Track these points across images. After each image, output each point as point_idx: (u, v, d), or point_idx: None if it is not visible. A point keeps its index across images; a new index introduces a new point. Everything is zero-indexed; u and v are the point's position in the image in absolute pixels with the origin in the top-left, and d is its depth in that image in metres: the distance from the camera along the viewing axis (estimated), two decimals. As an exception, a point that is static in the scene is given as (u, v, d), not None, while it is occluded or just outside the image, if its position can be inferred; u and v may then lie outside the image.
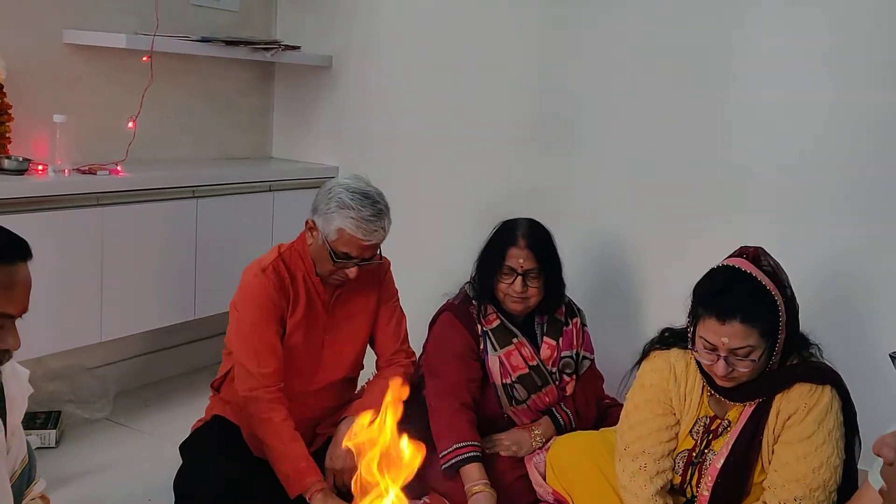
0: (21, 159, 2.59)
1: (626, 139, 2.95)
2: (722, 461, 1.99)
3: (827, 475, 1.90)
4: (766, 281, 1.90)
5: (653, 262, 2.93)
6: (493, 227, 2.50)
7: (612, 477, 2.15)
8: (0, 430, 1.47)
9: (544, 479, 2.32)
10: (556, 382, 2.49)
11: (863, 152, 2.57)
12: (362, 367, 2.60)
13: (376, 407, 2.26)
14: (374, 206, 2.24)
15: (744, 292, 1.87)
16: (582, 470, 2.21)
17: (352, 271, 2.27)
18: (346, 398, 2.53)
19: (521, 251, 2.39)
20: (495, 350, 2.45)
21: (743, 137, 2.74)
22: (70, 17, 2.86)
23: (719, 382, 1.94)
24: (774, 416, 1.96)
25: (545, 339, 2.49)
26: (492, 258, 2.43)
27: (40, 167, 2.66)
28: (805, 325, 2.00)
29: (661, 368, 2.06)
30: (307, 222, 2.31)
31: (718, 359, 1.88)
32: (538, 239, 2.42)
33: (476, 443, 2.32)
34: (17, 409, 1.56)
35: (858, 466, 2.01)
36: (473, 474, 2.28)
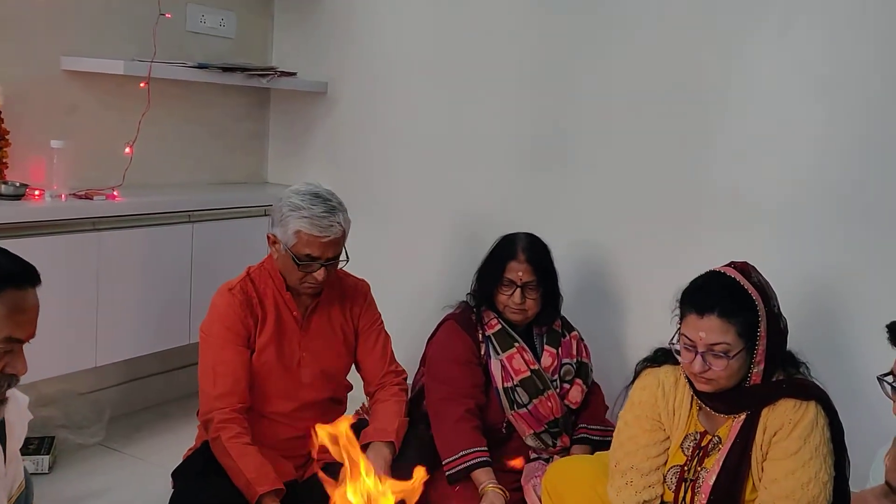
0: (18, 184, 2.61)
1: (619, 161, 2.98)
2: (714, 478, 1.99)
3: (816, 491, 1.90)
4: (747, 285, 1.95)
5: (644, 278, 2.95)
6: (493, 242, 2.59)
7: (608, 502, 2.14)
8: (10, 458, 1.47)
9: (540, 504, 2.31)
10: (557, 390, 2.53)
11: (852, 176, 2.60)
12: (351, 388, 2.60)
13: (389, 431, 2.30)
14: (326, 204, 2.27)
15: (724, 290, 1.94)
16: (579, 495, 2.20)
17: (319, 273, 2.27)
18: (335, 419, 2.50)
19: (520, 264, 2.49)
20: (497, 353, 2.52)
21: (736, 160, 2.77)
22: (68, 43, 2.89)
23: (697, 386, 1.97)
24: (762, 432, 1.97)
25: (546, 347, 2.57)
26: (492, 270, 2.53)
27: (37, 192, 2.67)
28: (793, 345, 2.02)
29: (650, 385, 2.09)
30: (268, 237, 2.34)
31: (696, 355, 1.91)
32: (537, 253, 2.52)
33: (483, 448, 2.35)
34: (16, 436, 1.56)
35: (851, 488, 2.01)
36: (483, 477, 2.32)
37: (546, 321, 2.59)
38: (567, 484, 2.23)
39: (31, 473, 2.53)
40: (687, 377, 2.02)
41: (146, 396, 3.28)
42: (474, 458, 2.34)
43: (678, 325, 2.00)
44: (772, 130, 2.71)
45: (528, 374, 2.50)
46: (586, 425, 2.58)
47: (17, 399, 1.58)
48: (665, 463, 2.06)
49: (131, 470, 2.76)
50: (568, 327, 2.65)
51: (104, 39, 2.99)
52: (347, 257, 2.37)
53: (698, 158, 2.84)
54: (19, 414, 1.59)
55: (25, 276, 1.41)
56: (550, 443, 2.53)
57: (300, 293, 2.36)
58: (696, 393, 2.02)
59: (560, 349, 2.58)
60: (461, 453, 2.34)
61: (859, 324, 2.56)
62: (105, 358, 2.81)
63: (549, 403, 2.51)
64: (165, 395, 3.34)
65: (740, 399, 1.97)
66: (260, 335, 2.33)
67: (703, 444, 2.03)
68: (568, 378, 2.58)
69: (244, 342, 2.31)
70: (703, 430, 2.04)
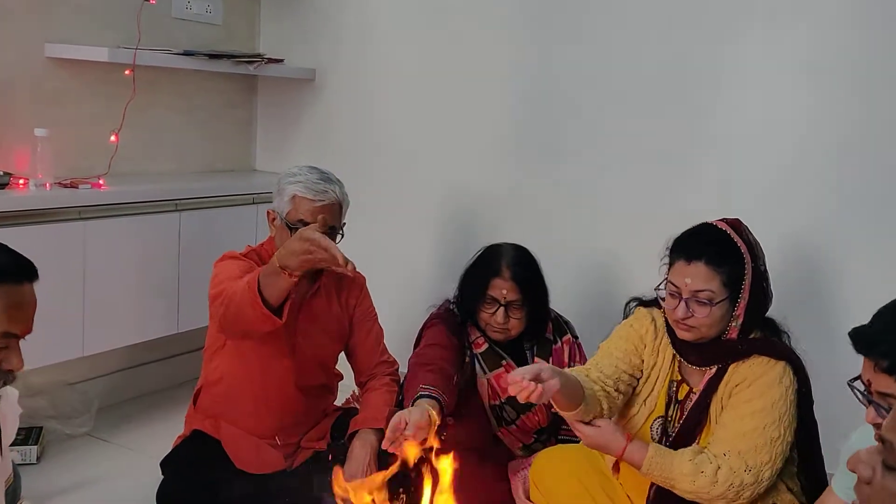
0: (2, 173, 2.58)
1: (609, 148, 2.97)
2: (678, 427, 2.01)
3: (760, 441, 1.87)
4: (737, 239, 1.97)
5: (634, 268, 2.93)
6: (477, 252, 2.48)
7: (595, 493, 2.15)
8: (5, 453, 1.47)
9: (527, 497, 2.30)
10: (546, 402, 2.48)
11: (840, 155, 2.61)
12: (341, 377, 2.60)
13: (378, 418, 2.28)
14: (322, 174, 2.32)
15: (712, 240, 1.97)
16: (565, 485, 2.19)
17: None
18: (324, 406, 2.54)
19: (504, 282, 2.35)
20: (485, 372, 2.45)
21: (726, 141, 2.78)
22: (52, 30, 2.85)
23: (678, 333, 1.98)
24: (724, 384, 1.98)
25: (536, 360, 2.45)
26: (475, 286, 2.41)
27: (21, 181, 2.64)
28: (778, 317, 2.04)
29: (643, 317, 2.12)
30: (267, 213, 2.37)
31: (680, 301, 1.93)
32: (523, 269, 2.38)
33: (436, 386, 2.13)
34: (8, 430, 1.57)
35: (827, 470, 2.01)
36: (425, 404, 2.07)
37: (533, 338, 2.48)
38: (554, 475, 2.22)
39: (19, 464, 2.52)
40: (668, 327, 2.04)
41: (134, 386, 3.27)
42: (422, 392, 2.10)
43: (666, 274, 2.02)
44: (762, 108, 2.72)
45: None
46: (566, 427, 2.51)
47: (9, 393, 1.57)
48: (621, 390, 2.04)
49: (120, 460, 2.75)
50: (560, 330, 2.53)
51: (89, 26, 2.96)
52: (343, 234, 2.37)
53: (685, 143, 2.84)
54: (11, 408, 1.59)
55: (23, 271, 1.42)
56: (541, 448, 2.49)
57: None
58: (674, 342, 2.03)
59: (551, 360, 2.47)
60: (417, 391, 2.12)
61: (851, 302, 2.57)
62: (93, 347, 2.79)
63: (537, 417, 2.47)
64: (154, 385, 3.32)
65: (714, 351, 1.99)
66: None
67: (680, 397, 2.05)
68: None
69: None
70: (679, 379, 2.07)
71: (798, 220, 2.68)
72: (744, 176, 2.76)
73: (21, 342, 1.43)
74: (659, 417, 2.06)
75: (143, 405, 3.20)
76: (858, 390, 1.42)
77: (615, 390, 2.03)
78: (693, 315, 1.93)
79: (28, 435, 2.69)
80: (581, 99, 3.01)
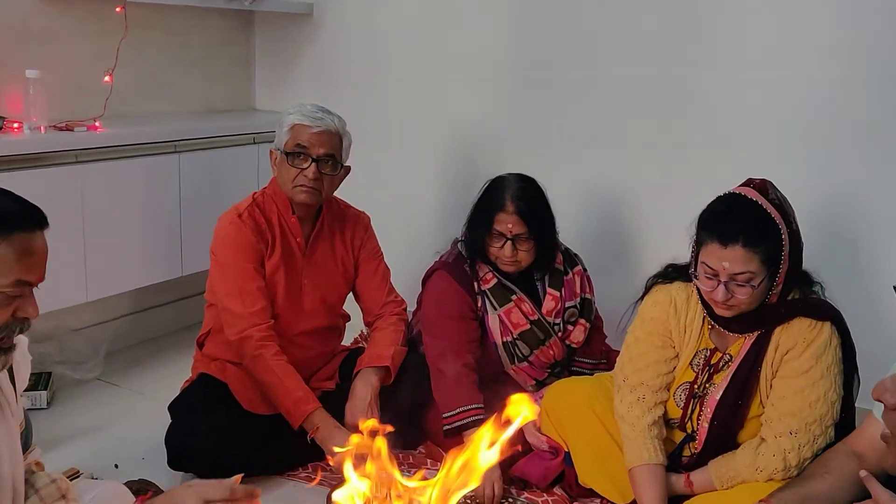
0: (-5, 117, 2.52)
1: (618, 75, 2.88)
2: (720, 393, 1.99)
3: (823, 410, 1.90)
4: (770, 209, 1.88)
5: (647, 199, 2.90)
6: (483, 186, 2.46)
7: (607, 422, 2.15)
8: (19, 400, 1.47)
9: (538, 430, 2.30)
10: (560, 334, 2.48)
11: (863, 89, 2.52)
12: (349, 318, 2.59)
13: (383, 356, 2.28)
14: (321, 107, 2.35)
15: (747, 217, 1.86)
16: (577, 415, 2.20)
17: (310, 171, 2.27)
18: (332, 347, 2.54)
19: (509, 216, 2.34)
20: (495, 309, 2.43)
21: (742, 75, 2.69)
22: (38, -33, 2.76)
23: (718, 311, 1.93)
24: (773, 350, 1.96)
25: (549, 290, 2.47)
26: (481, 222, 2.40)
27: (15, 125, 2.58)
28: (807, 263, 1.98)
29: (662, 301, 2.06)
30: (270, 153, 2.37)
31: (718, 284, 1.86)
32: (527, 201, 2.37)
33: (480, 405, 2.30)
34: (21, 377, 1.58)
35: (857, 405, 2.00)
36: None
37: (544, 269, 2.48)
38: (565, 404, 2.24)
39: (29, 409, 2.54)
40: (702, 299, 1.98)
41: (142, 330, 3.26)
42: (470, 416, 2.27)
43: (693, 248, 1.94)
44: (779, 40, 2.62)
45: (528, 326, 2.43)
46: (578, 359, 2.55)
47: (21, 341, 1.56)
48: (672, 382, 2.06)
49: (129, 403, 2.76)
50: (570, 262, 2.53)
51: (76, -38, 2.86)
52: (343, 167, 2.36)
53: (698, 70, 2.75)
54: (24, 356, 1.59)
55: (34, 219, 1.41)
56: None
57: (296, 203, 2.33)
58: (710, 314, 1.99)
59: (563, 290, 2.47)
60: (458, 409, 2.28)
61: (877, 240, 2.53)
62: (96, 292, 2.77)
63: (551, 351, 2.46)
64: (161, 329, 3.32)
65: (756, 318, 1.95)
66: (269, 259, 2.34)
67: (713, 362, 2.02)
68: (572, 320, 2.50)
69: (260, 265, 2.32)
70: (713, 347, 2.03)
71: (818, 153, 2.60)
72: (759, 103, 2.67)
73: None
74: (683, 384, 2.05)
75: (150, 349, 3.20)
76: None
77: (666, 389, 2.05)
78: (734, 296, 1.86)
79: (38, 380, 2.69)
80: (582, 25, 2.91)
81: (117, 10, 2.85)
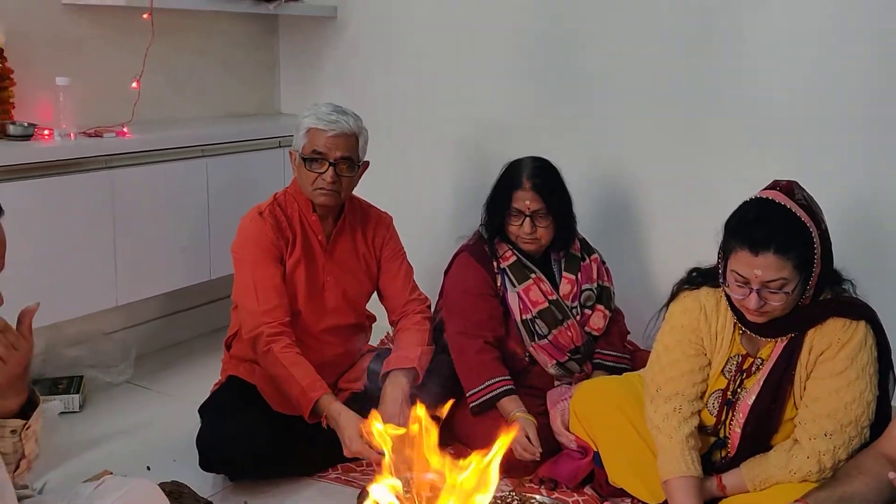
0: (26, 124, 2.56)
1: (634, 70, 2.88)
2: (753, 398, 1.96)
3: (859, 411, 1.87)
4: (800, 212, 1.84)
5: (662, 195, 2.89)
6: (501, 169, 2.51)
7: (637, 422, 2.13)
8: None
9: (567, 429, 2.30)
10: (578, 317, 2.49)
11: (877, 78, 2.49)
12: (374, 319, 2.60)
13: (410, 358, 2.30)
14: (336, 107, 2.34)
15: (777, 223, 1.82)
16: (606, 416, 2.19)
17: (328, 174, 2.28)
18: (358, 347, 2.54)
19: (526, 193, 2.41)
20: (514, 286, 2.48)
21: (755, 68, 2.68)
22: (66, -24, 2.80)
23: (751, 318, 1.90)
24: (807, 352, 1.92)
25: (564, 274, 2.52)
26: (500, 201, 2.47)
27: (46, 132, 2.62)
28: (836, 261, 1.95)
29: (692, 308, 2.02)
30: (290, 154, 2.39)
31: (751, 292, 1.82)
32: (543, 179, 2.44)
33: (507, 377, 2.34)
34: None
35: (893, 402, 1.97)
36: (511, 406, 2.30)
37: (562, 246, 2.53)
38: (594, 404, 2.22)
39: (62, 413, 2.58)
40: (731, 305, 1.95)
41: (171, 334, 3.29)
42: (500, 387, 2.32)
43: (721, 256, 1.91)
44: (791, 31, 2.60)
45: (547, 305, 2.46)
46: (601, 350, 2.55)
47: None
48: (706, 389, 2.03)
49: (160, 406, 2.78)
50: (588, 250, 2.59)
51: (103, -30, 2.89)
52: (361, 163, 2.37)
53: (712, 64, 2.74)
54: None
55: None
56: (578, 369, 2.51)
57: (317, 204, 2.35)
58: (741, 319, 1.96)
59: (579, 274, 2.52)
60: (486, 383, 2.32)
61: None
62: (126, 297, 2.80)
63: (570, 333, 2.48)
64: (190, 332, 3.35)
65: (790, 322, 1.92)
66: (290, 257, 2.35)
67: (745, 367, 1.99)
68: (589, 304, 2.53)
69: (279, 262, 2.33)
70: (744, 352, 2.00)
71: (833, 145, 2.57)
72: (772, 96, 2.65)
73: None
74: (716, 391, 2.02)
75: (180, 352, 3.22)
76: None
77: (701, 398, 2.03)
78: (767, 303, 1.83)
79: (70, 384, 2.73)
80: (602, 24, 2.90)
81: (144, 16, 2.87)
